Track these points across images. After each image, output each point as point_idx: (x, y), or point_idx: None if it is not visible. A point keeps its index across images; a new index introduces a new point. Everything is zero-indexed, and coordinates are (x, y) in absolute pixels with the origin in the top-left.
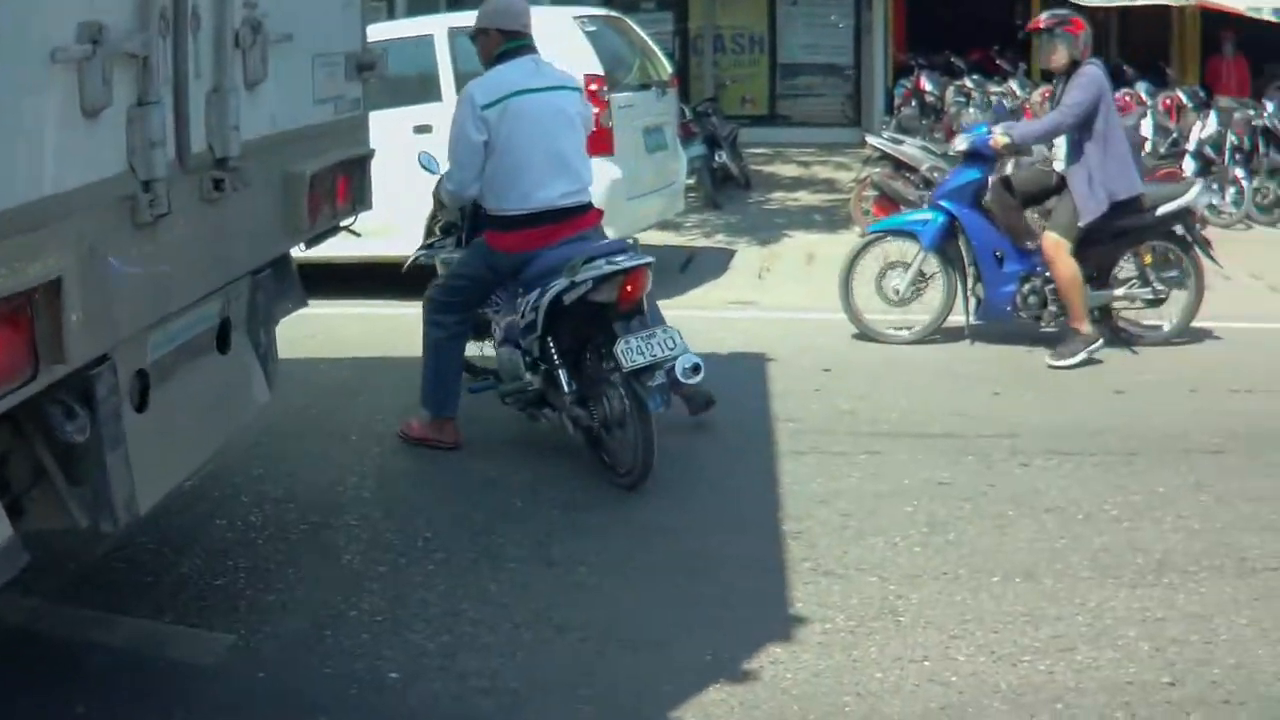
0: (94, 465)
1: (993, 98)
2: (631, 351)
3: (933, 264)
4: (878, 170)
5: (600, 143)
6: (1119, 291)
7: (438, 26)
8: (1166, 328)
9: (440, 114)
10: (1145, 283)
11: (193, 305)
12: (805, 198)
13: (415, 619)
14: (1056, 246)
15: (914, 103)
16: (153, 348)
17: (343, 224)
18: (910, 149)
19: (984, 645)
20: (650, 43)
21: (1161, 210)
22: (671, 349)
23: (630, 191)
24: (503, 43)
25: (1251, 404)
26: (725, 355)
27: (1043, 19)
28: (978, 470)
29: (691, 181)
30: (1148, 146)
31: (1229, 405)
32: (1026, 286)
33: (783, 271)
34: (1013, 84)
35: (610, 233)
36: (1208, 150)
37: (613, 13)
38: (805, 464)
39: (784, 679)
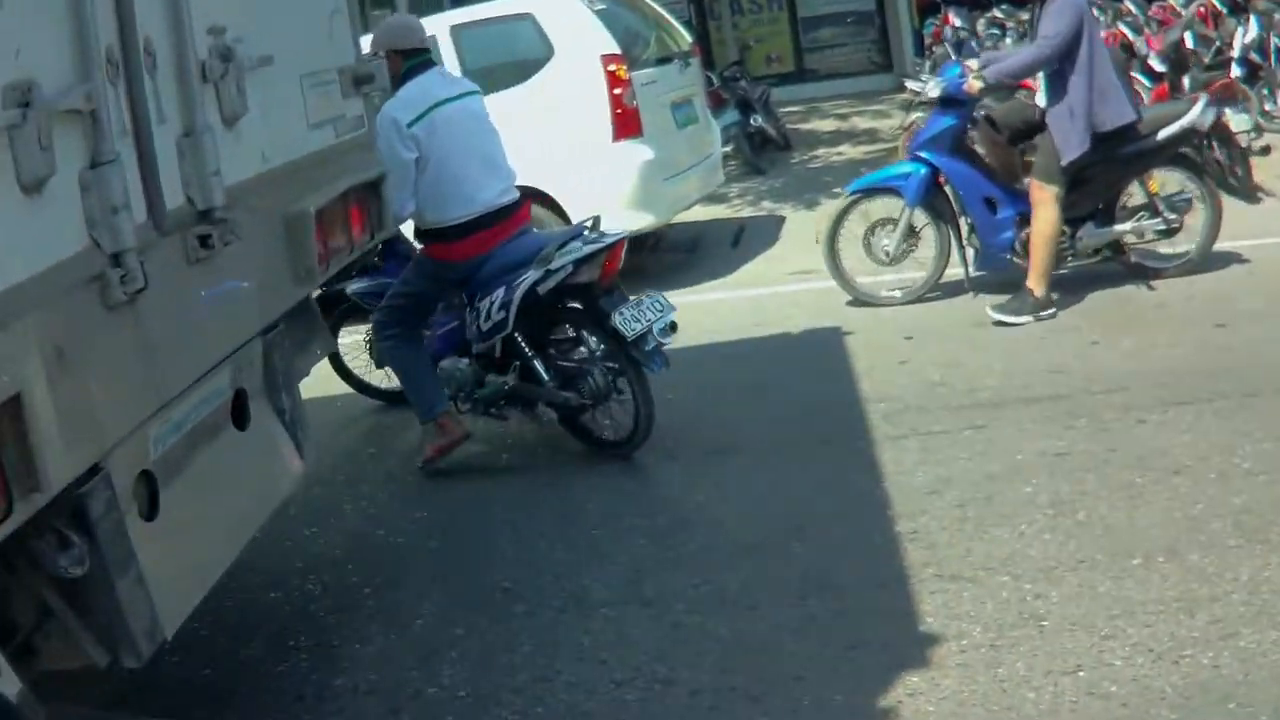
0: (103, 596)
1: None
2: (628, 321)
3: (921, 218)
4: (920, 115)
5: (627, 125)
6: (1127, 225)
7: (439, 26)
8: (1190, 253)
9: None
10: (1155, 213)
11: (197, 383)
12: (849, 151)
13: (502, 690)
14: (1040, 193)
15: (945, 41)
16: (155, 442)
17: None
18: None
19: (1140, 643)
20: (665, 13)
21: (1162, 134)
22: (661, 311)
23: (665, 172)
24: (403, 62)
25: None
26: (798, 334)
27: None
28: (1094, 434)
29: (730, 149)
30: (1193, 60)
31: None
32: (1026, 230)
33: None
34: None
35: (648, 219)
36: (1254, 55)
37: None
38: (906, 449)
39: (926, 713)
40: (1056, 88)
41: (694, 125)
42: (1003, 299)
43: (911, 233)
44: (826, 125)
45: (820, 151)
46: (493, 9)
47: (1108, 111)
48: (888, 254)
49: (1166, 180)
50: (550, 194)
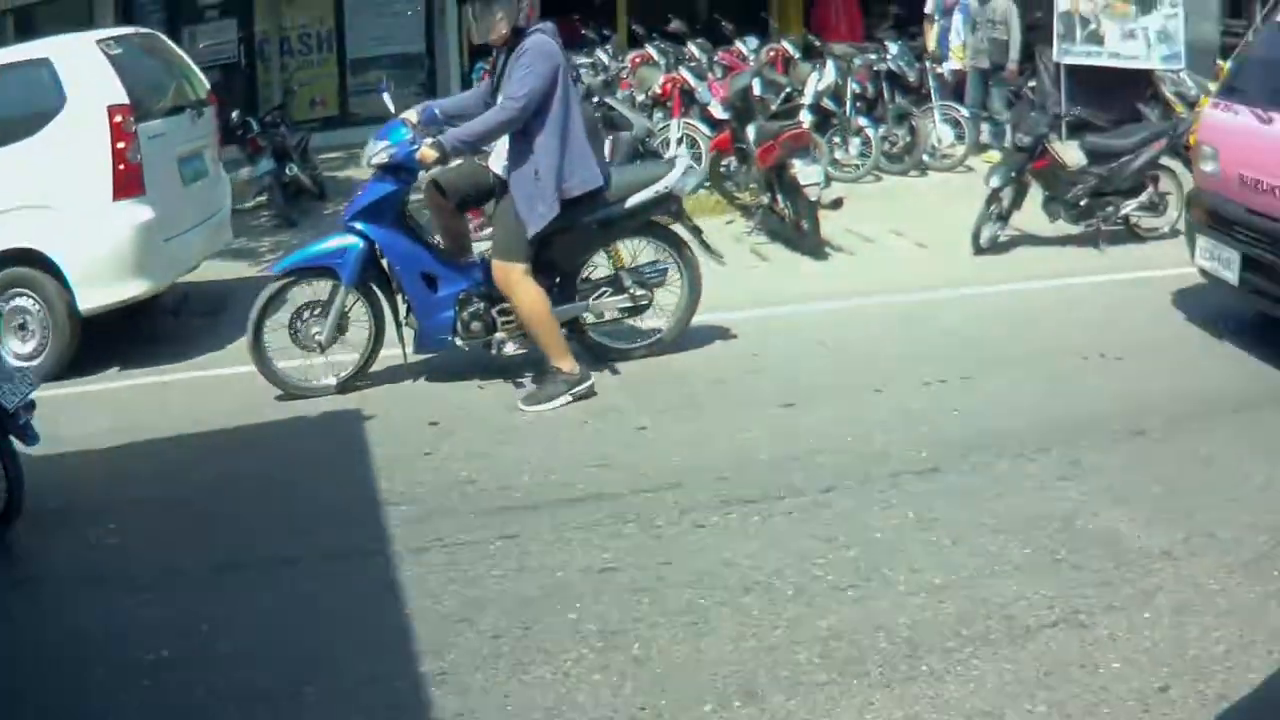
0: None
1: (583, 70)
2: (6, 394)
3: (351, 296)
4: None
5: (128, 183)
6: (586, 302)
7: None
8: (661, 331)
9: None
10: (620, 288)
11: None
12: None
13: None
14: (507, 275)
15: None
16: None
17: None
18: None
19: None
20: (187, 59)
21: (632, 201)
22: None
23: (167, 232)
24: None
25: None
26: (315, 416)
27: None
28: (645, 543)
29: (264, 200)
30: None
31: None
32: (467, 310)
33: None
34: (601, 54)
35: (144, 285)
36: (826, 102)
37: (144, 30)
38: (432, 566)
39: None
40: (521, 150)
41: (203, 180)
42: (529, 388)
43: (345, 314)
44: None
45: None
46: (10, 54)
47: (577, 176)
48: (319, 342)
49: (641, 251)
50: (49, 255)
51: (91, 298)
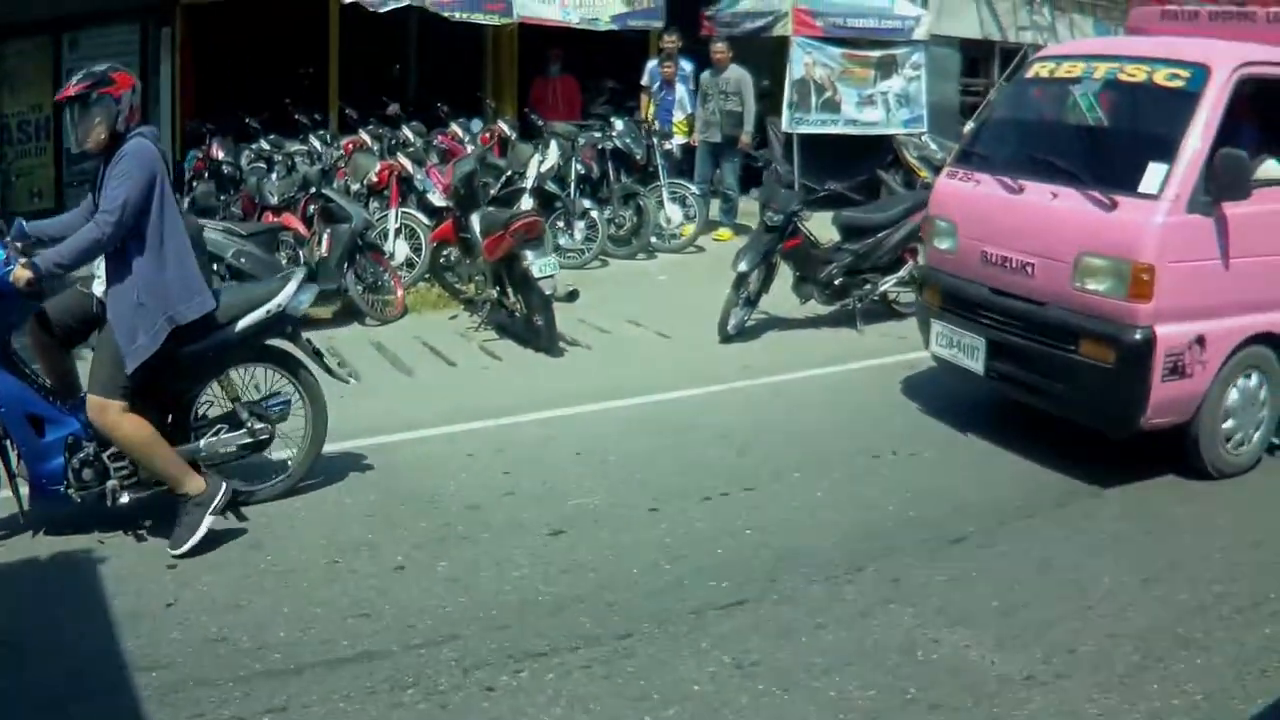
0: None
1: (297, 159)
2: None
3: None
4: None
5: None
6: (200, 443)
7: None
8: (289, 466)
9: None
10: (237, 423)
11: None
12: None
13: None
14: (104, 412)
15: (208, 175)
16: None
17: None
18: (210, 234)
19: None
20: None
21: (244, 323)
22: None
23: None
24: None
25: None
26: (45, 559)
27: (73, 85)
28: (431, 712)
29: None
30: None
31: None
32: (77, 457)
33: None
34: (314, 140)
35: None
36: (549, 185)
37: None
38: None
39: None
40: (119, 271)
41: None
42: (176, 530)
43: None
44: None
45: None
46: None
47: (184, 300)
48: None
49: (258, 379)
50: None
51: None
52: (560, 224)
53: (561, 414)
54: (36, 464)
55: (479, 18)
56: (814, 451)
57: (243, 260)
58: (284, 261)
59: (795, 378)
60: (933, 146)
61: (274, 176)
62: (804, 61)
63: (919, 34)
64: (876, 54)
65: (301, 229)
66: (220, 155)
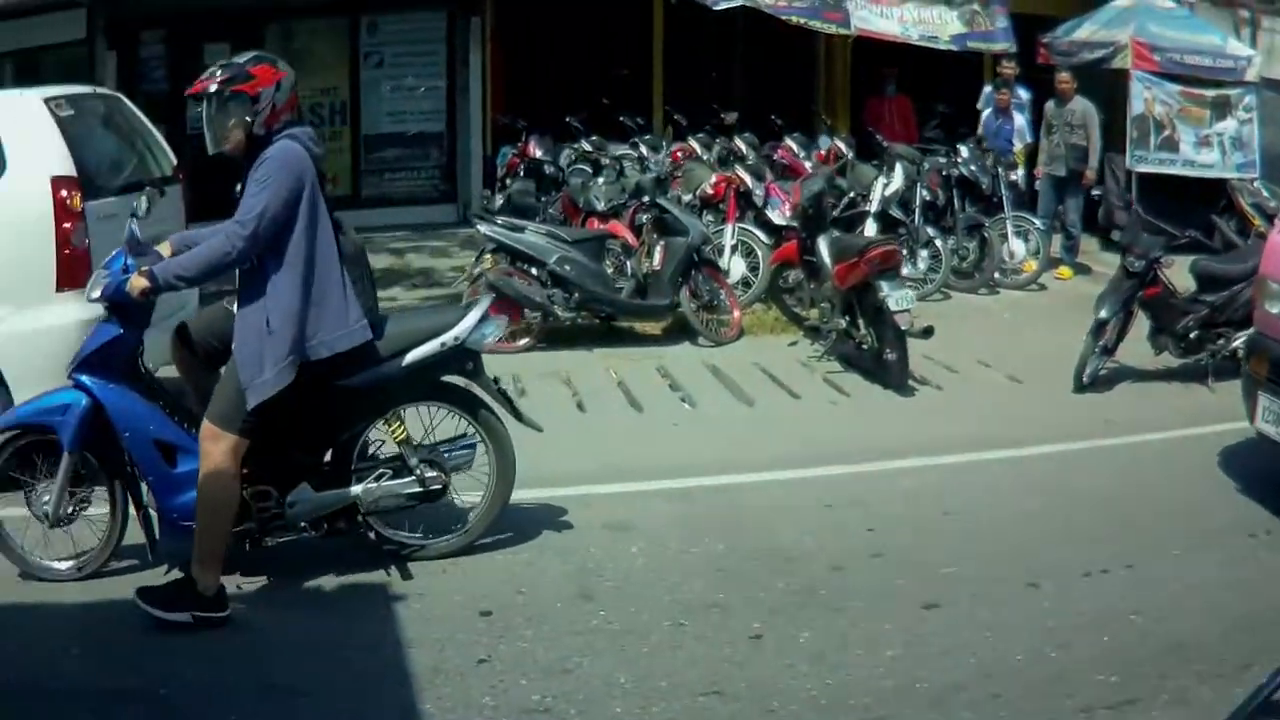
0: None
1: (626, 163)
2: None
3: (94, 463)
4: (493, 266)
5: (74, 271)
6: (358, 488)
7: None
8: (469, 523)
9: None
10: (403, 470)
11: None
12: (402, 296)
13: None
14: (212, 442)
15: (523, 173)
16: None
17: None
18: (532, 237)
19: None
20: (151, 127)
21: (412, 357)
22: None
23: None
24: None
25: None
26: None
27: (205, 79)
28: None
29: None
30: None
31: None
32: None
33: None
34: (642, 145)
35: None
36: (893, 210)
37: (103, 91)
38: None
39: None
40: (251, 290)
41: None
42: (162, 582)
43: (79, 481)
44: (378, 260)
45: None
46: None
47: (327, 330)
48: (47, 514)
49: (443, 421)
50: None
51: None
52: (904, 252)
53: (921, 464)
54: (166, 496)
55: (816, 24)
56: (1190, 525)
57: (567, 268)
58: (609, 271)
59: (1160, 439)
60: (1265, 194)
61: (600, 180)
62: (1144, 97)
63: (1250, 75)
64: (1211, 93)
65: (630, 238)
66: (538, 154)
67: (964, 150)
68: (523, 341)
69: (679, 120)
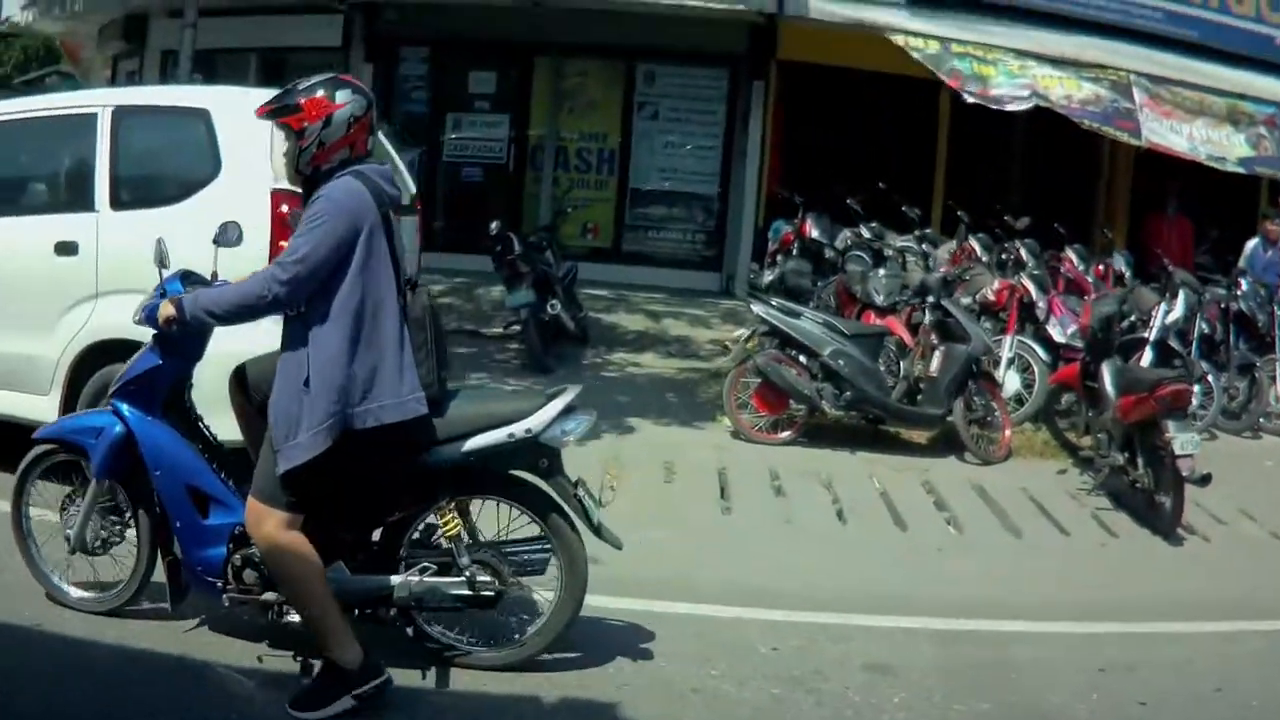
0: None
1: (909, 257)
2: None
3: (121, 495)
4: (761, 349)
5: None
6: (396, 579)
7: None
8: (531, 635)
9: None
10: (451, 567)
11: None
12: (653, 363)
13: None
14: (259, 523)
15: (796, 252)
16: None
17: None
18: (809, 325)
19: None
20: (389, 147)
21: (474, 443)
22: None
23: None
24: None
25: None
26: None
27: (268, 100)
28: None
29: (516, 335)
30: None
31: None
32: (242, 553)
33: (632, 495)
34: (922, 241)
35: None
36: (1172, 341)
37: None
38: None
39: None
40: (294, 341)
41: None
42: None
43: (116, 511)
44: (633, 322)
45: (618, 356)
46: (163, 95)
47: (376, 397)
48: (69, 539)
49: (516, 520)
50: None
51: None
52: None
53: (1192, 631)
54: (192, 547)
55: (1109, 130)
56: None
57: (841, 362)
58: (881, 371)
59: None
60: None
61: (882, 272)
62: None
63: None
64: None
65: (907, 338)
66: (814, 233)
67: (1244, 283)
68: (784, 434)
69: (962, 218)
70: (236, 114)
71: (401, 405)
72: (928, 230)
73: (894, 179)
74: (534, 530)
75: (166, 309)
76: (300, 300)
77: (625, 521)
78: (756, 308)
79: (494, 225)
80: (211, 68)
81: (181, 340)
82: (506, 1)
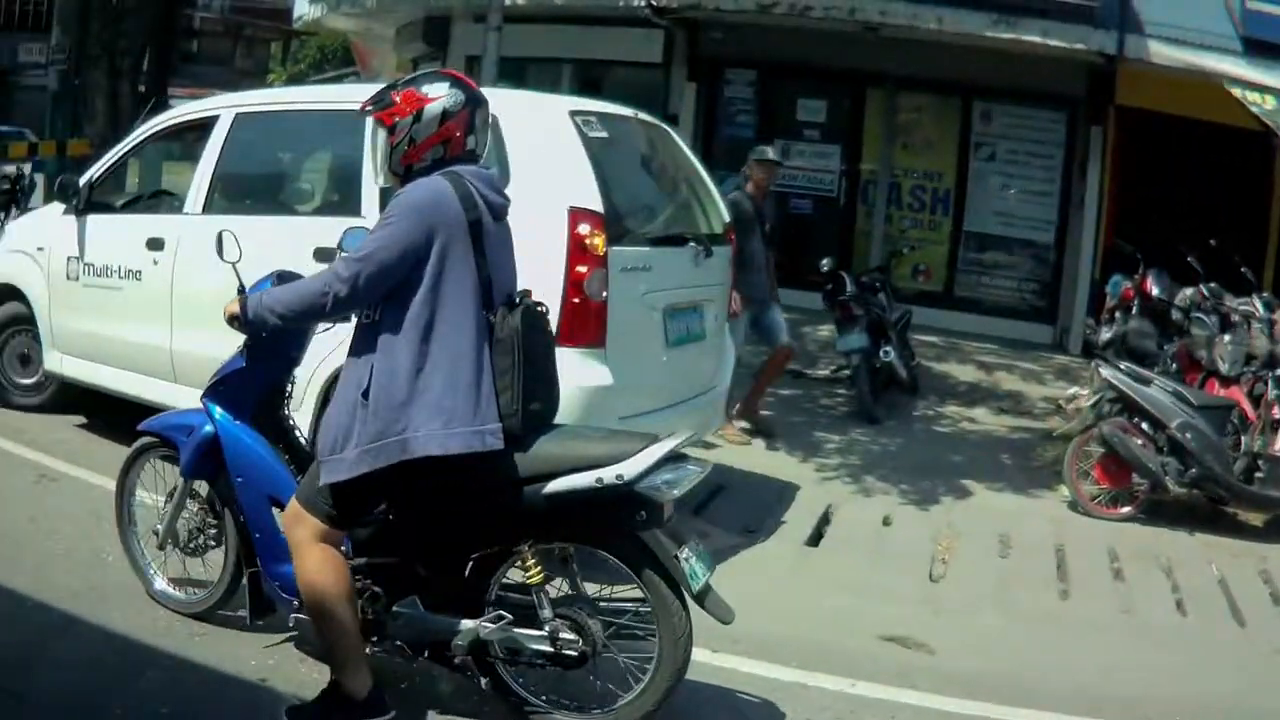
0: None
1: (1254, 323)
2: None
3: (207, 494)
4: (1098, 412)
5: (586, 326)
6: (472, 624)
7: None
8: (628, 701)
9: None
10: (531, 619)
11: None
12: (986, 420)
13: None
14: (294, 524)
15: (1136, 311)
16: None
17: None
18: (1158, 394)
19: None
20: (702, 170)
21: (555, 486)
22: None
23: (628, 407)
24: None
25: None
26: None
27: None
28: None
29: (845, 380)
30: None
31: None
32: None
33: (965, 570)
34: (1259, 302)
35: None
36: None
37: (645, 118)
38: None
39: None
40: (363, 343)
41: (697, 345)
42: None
43: (212, 512)
44: (964, 372)
45: (950, 410)
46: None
47: (441, 422)
48: (156, 532)
49: (618, 578)
50: None
51: None
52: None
53: None
54: (270, 560)
55: None
56: None
57: (1188, 435)
58: (1227, 447)
59: None
60: None
61: (1228, 339)
62: None
63: None
64: None
65: (1249, 411)
66: (1155, 291)
67: None
68: (1124, 509)
69: None
70: (530, 120)
71: (471, 436)
72: (1265, 294)
73: (1224, 236)
74: (639, 592)
75: (231, 306)
76: (366, 303)
77: (956, 603)
78: (1105, 371)
79: (825, 262)
80: (521, 77)
81: (269, 344)
82: (842, 27)
